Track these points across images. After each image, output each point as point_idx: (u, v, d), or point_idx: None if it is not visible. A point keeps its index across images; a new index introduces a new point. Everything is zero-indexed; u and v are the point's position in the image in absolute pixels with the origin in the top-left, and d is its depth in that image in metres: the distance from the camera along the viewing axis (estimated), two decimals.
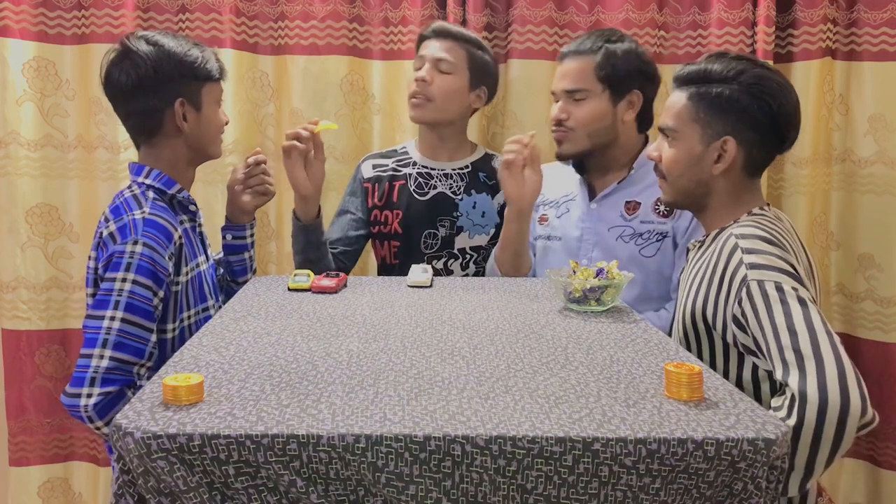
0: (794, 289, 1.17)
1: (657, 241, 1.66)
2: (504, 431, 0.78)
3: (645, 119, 1.75)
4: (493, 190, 1.85)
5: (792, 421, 1.07)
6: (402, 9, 2.08)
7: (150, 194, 1.39)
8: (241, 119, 2.08)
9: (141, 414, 0.81)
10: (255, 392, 0.88)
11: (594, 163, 1.75)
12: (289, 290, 1.41)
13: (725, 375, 1.26)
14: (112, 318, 1.26)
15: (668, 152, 1.38)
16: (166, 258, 1.32)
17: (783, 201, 2.07)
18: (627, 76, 1.69)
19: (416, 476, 0.78)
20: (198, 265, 1.46)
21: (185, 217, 1.46)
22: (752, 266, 1.20)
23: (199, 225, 1.52)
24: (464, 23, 2.05)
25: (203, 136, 1.46)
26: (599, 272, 1.30)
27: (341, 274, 1.47)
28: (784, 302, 1.15)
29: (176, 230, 1.36)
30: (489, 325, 1.19)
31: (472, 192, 1.85)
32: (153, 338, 1.29)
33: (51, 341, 2.14)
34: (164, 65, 1.38)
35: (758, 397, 1.24)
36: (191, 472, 0.78)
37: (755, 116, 1.31)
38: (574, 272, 1.32)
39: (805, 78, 2.01)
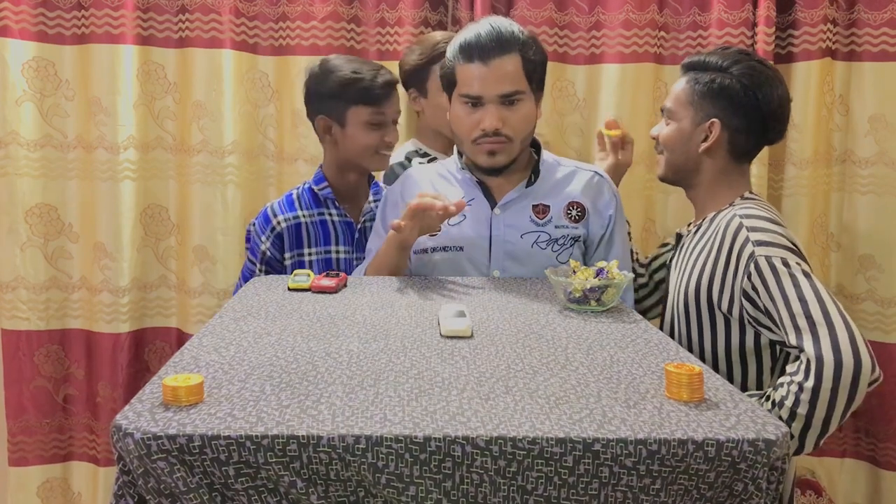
0: (798, 263, 1.27)
1: (570, 245, 1.57)
2: (504, 432, 0.78)
3: None
4: None
5: (810, 382, 1.17)
6: (398, 10, 2.08)
7: None
8: (241, 120, 2.07)
9: (141, 415, 0.81)
10: (255, 392, 0.88)
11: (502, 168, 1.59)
12: (289, 289, 1.41)
13: (727, 346, 1.37)
14: None
15: (664, 130, 1.52)
16: None
17: (783, 202, 2.07)
18: (543, 69, 1.56)
19: (416, 477, 0.78)
20: None
21: None
22: (759, 243, 1.29)
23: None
24: (455, 22, 2.05)
25: None
26: (599, 272, 1.30)
27: (341, 274, 1.47)
28: (792, 275, 1.25)
29: None
30: (489, 325, 1.19)
31: None
32: None
33: (50, 341, 2.14)
34: None
35: (759, 365, 1.36)
36: (191, 473, 0.78)
37: (741, 104, 1.43)
38: (574, 272, 1.33)
39: (805, 78, 2.00)
